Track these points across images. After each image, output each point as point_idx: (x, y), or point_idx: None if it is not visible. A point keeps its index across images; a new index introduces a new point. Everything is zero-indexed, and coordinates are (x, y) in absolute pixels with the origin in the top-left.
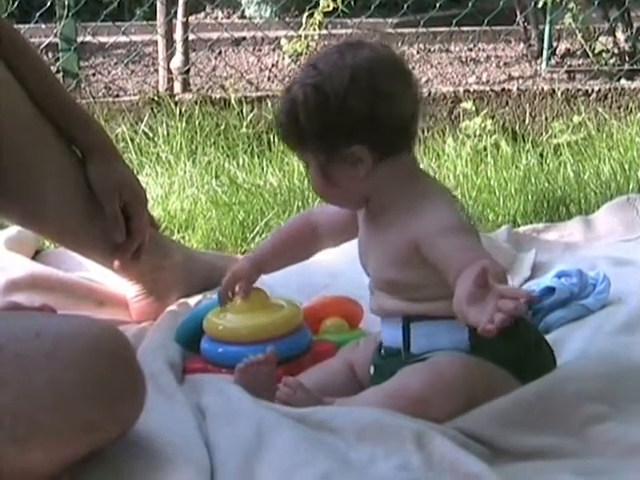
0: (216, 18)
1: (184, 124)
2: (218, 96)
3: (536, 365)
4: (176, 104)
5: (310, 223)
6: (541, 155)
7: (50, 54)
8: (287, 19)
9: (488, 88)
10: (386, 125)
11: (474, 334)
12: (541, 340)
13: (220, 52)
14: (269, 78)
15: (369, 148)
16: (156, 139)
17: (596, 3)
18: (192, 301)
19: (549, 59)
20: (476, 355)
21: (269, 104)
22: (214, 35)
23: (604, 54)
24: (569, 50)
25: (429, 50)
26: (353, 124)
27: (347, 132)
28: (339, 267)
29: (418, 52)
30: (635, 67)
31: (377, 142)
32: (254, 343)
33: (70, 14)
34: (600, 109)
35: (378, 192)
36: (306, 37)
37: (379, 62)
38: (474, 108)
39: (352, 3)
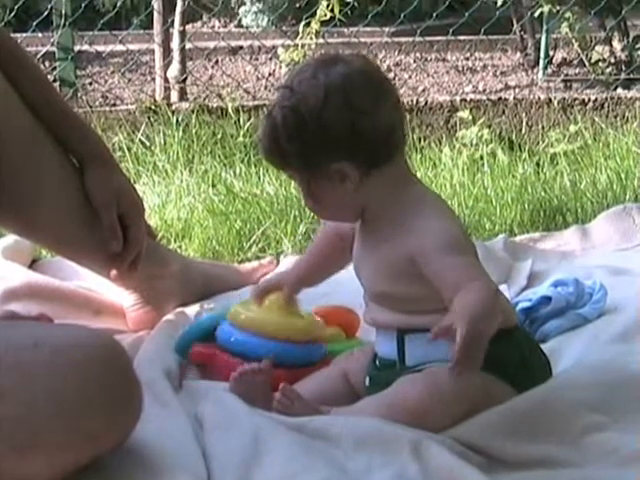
0: (213, 27)
1: (181, 133)
2: (215, 105)
3: (532, 374)
4: (173, 113)
5: (338, 233)
6: (538, 164)
7: (47, 63)
8: (284, 28)
9: (485, 97)
10: (366, 138)
11: None
12: (537, 349)
13: (217, 61)
14: (266, 87)
15: (353, 163)
16: (153, 148)
17: (592, 12)
18: (189, 310)
19: (546, 68)
20: None
21: (266, 113)
22: (211, 44)
23: (600, 63)
24: (565, 59)
25: (426, 59)
26: (333, 141)
27: (328, 150)
28: (338, 276)
29: (415, 61)
30: (631, 76)
31: (360, 156)
32: (275, 340)
33: (67, 23)
34: (597, 118)
35: (370, 204)
36: (303, 46)
37: (353, 77)
38: (471, 117)
39: (349, 12)
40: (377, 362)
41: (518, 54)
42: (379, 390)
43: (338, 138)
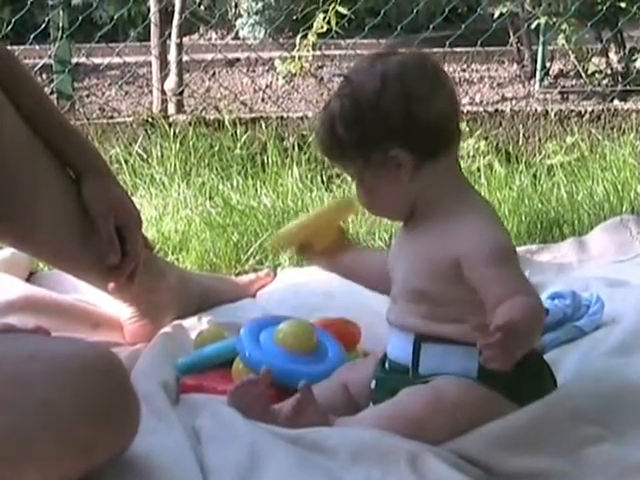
0: (210, 39)
1: (178, 145)
2: (212, 117)
3: (540, 394)
4: (170, 125)
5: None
6: (534, 176)
7: (44, 75)
8: (281, 40)
9: (481, 109)
10: (421, 126)
11: None
12: (545, 366)
13: (214, 73)
14: (263, 99)
15: (408, 151)
16: (150, 160)
17: (589, 24)
18: (186, 323)
19: (542, 80)
20: (483, 383)
21: (263, 125)
22: (208, 56)
23: (597, 75)
24: (562, 71)
25: None
26: (389, 129)
27: (384, 137)
28: (336, 288)
29: None
30: (628, 88)
31: (415, 144)
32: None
33: (64, 35)
34: (593, 130)
35: (421, 198)
36: (300, 58)
37: (409, 65)
38: (467, 129)
39: (345, 24)
40: (386, 365)
41: (515, 66)
42: (385, 395)
43: (394, 125)
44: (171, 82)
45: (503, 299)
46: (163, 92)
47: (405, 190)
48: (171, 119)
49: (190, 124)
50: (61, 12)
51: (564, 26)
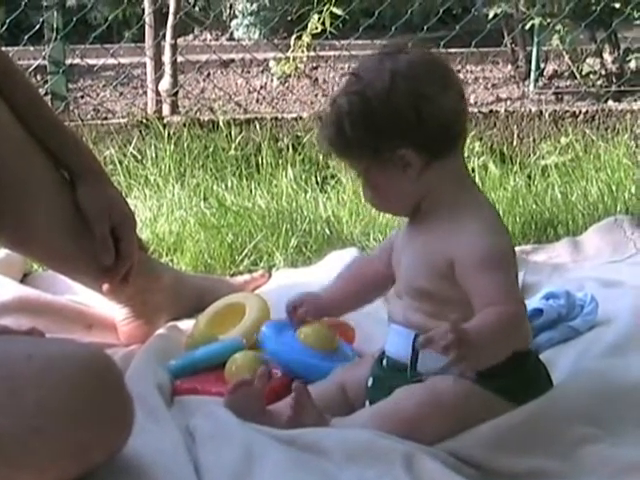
0: (204, 40)
1: (172, 146)
2: (206, 118)
3: (536, 394)
4: (164, 126)
5: (372, 266)
6: (529, 176)
7: (38, 76)
8: (275, 41)
9: (476, 110)
10: (430, 125)
11: None
12: (541, 368)
13: (208, 74)
14: (257, 100)
15: (416, 150)
16: (144, 161)
17: (583, 25)
18: (181, 324)
19: (537, 80)
20: (480, 384)
21: (257, 126)
22: (202, 57)
23: (591, 75)
24: (557, 71)
25: None
26: (397, 127)
27: (392, 136)
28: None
29: None
30: (622, 88)
31: (423, 144)
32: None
33: (59, 37)
34: (587, 130)
35: (427, 196)
36: (294, 59)
37: (418, 64)
38: None
39: (340, 25)
40: (384, 362)
41: (509, 67)
42: (381, 393)
43: (403, 123)
44: (165, 83)
45: (483, 308)
46: (157, 93)
47: (411, 188)
48: (165, 120)
49: (184, 125)
50: (55, 13)
51: (558, 27)
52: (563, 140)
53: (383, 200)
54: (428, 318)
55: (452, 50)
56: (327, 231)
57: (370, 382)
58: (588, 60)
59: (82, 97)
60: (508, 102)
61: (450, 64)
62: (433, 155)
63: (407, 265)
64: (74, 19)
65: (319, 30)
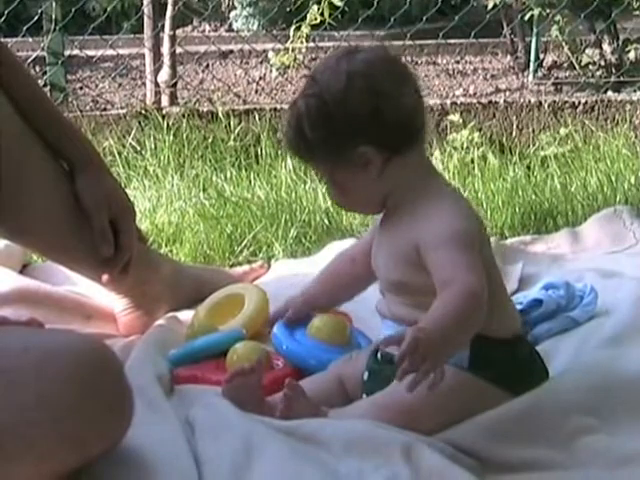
0: (203, 31)
1: (171, 137)
2: (205, 109)
3: (531, 383)
4: (163, 117)
5: (353, 258)
6: (528, 167)
7: (37, 68)
8: (274, 32)
9: (475, 100)
10: (388, 122)
11: (474, 352)
12: (536, 356)
13: (207, 65)
14: (256, 91)
15: (376, 148)
16: (144, 152)
17: (582, 15)
18: (180, 315)
19: (536, 71)
20: (474, 373)
21: (256, 117)
22: (201, 48)
23: (591, 66)
24: (556, 62)
25: (416, 63)
26: (356, 126)
27: (351, 135)
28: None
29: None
30: (621, 79)
31: (382, 141)
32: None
33: (57, 28)
34: (587, 121)
35: (392, 192)
36: (293, 50)
37: (374, 63)
38: (461, 120)
39: (339, 16)
40: (379, 356)
41: (508, 57)
42: (377, 386)
43: (361, 122)
44: (164, 74)
45: (444, 286)
46: (156, 84)
47: (375, 185)
48: (164, 111)
49: (183, 116)
50: (54, 4)
51: (557, 17)
52: (562, 131)
53: (349, 199)
54: (412, 310)
55: (451, 41)
56: (326, 222)
57: (366, 376)
58: (587, 51)
59: (81, 88)
60: (507, 93)
61: (444, 55)
62: (393, 151)
63: (383, 262)
64: (73, 10)
65: (318, 21)
